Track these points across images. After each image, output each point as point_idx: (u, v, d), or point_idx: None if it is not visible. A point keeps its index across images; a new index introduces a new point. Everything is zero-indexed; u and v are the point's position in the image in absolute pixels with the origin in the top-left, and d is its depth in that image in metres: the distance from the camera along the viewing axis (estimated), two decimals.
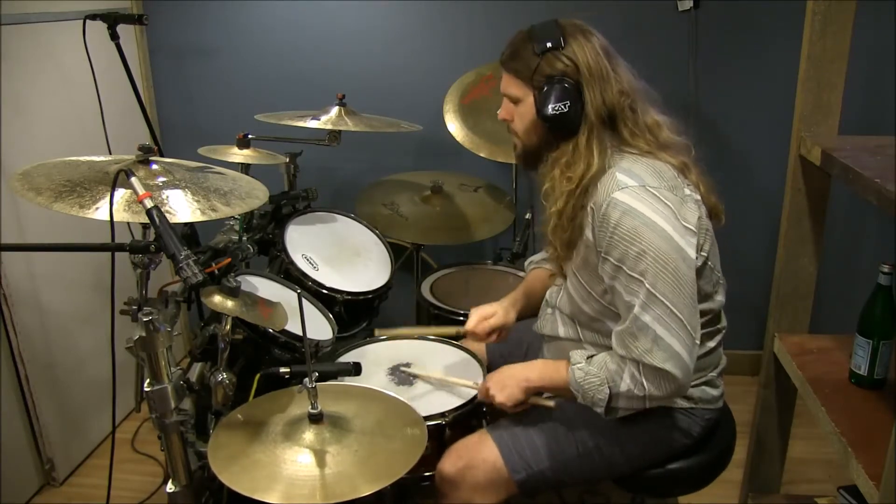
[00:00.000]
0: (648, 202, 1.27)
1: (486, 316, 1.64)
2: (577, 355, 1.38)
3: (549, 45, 1.33)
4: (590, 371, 1.34)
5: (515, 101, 1.41)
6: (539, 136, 1.40)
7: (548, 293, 1.60)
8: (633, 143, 1.35)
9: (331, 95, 2.23)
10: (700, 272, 1.33)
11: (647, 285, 1.25)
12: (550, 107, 1.32)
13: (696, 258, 1.31)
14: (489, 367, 1.71)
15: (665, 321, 1.25)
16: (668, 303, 1.25)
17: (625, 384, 1.29)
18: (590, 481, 1.52)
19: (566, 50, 1.33)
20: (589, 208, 1.33)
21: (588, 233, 1.34)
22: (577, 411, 1.44)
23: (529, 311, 1.69)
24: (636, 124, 1.36)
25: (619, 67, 1.36)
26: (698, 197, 1.37)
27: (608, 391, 1.31)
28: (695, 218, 1.32)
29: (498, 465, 1.42)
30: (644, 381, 1.28)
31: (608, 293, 1.36)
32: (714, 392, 1.48)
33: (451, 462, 1.45)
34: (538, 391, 1.45)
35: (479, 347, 1.79)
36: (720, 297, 1.44)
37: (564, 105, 1.32)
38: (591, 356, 1.37)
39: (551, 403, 1.45)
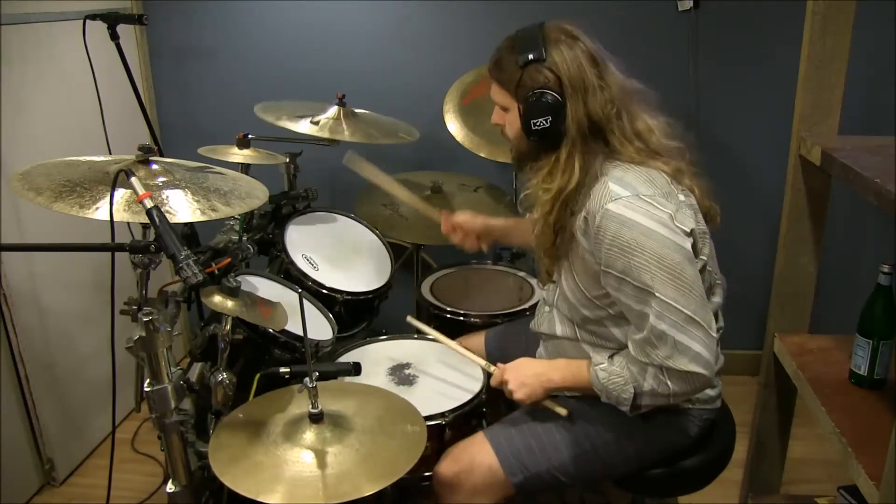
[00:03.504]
0: (643, 210, 1.26)
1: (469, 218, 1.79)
2: (599, 356, 1.39)
3: (530, 56, 1.31)
4: (613, 371, 1.34)
5: (504, 109, 1.42)
6: (526, 145, 1.40)
7: (544, 292, 1.60)
8: (622, 152, 1.35)
9: (331, 95, 2.23)
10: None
11: (656, 294, 1.25)
12: (532, 122, 1.32)
13: (696, 259, 1.31)
14: (488, 360, 1.71)
15: (681, 325, 1.25)
16: (680, 307, 1.25)
17: (648, 384, 1.30)
18: (588, 482, 1.52)
19: (548, 62, 1.31)
20: (582, 216, 1.33)
21: (582, 239, 1.34)
22: (575, 411, 1.44)
23: (513, 237, 1.85)
24: (623, 132, 1.35)
25: (606, 73, 1.34)
26: (693, 202, 1.37)
27: (632, 390, 1.32)
28: (691, 223, 1.32)
29: (494, 468, 1.42)
30: (669, 381, 1.29)
31: (608, 297, 1.36)
32: (711, 392, 1.48)
33: (448, 466, 1.45)
34: (559, 391, 1.45)
35: (478, 347, 1.79)
36: (717, 299, 1.44)
37: (546, 120, 1.32)
38: (612, 355, 1.38)
39: (564, 412, 1.45)
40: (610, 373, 1.34)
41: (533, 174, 1.40)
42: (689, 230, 1.30)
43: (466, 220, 1.79)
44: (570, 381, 1.43)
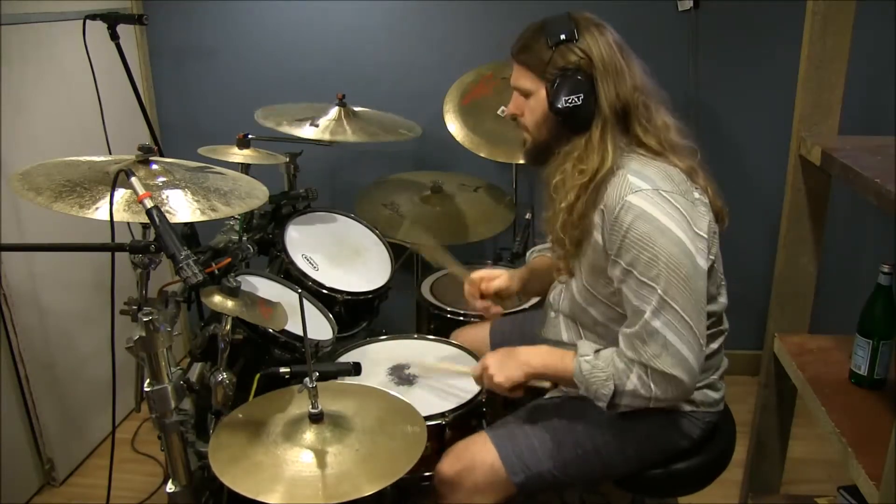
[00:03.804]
0: (661, 206, 1.26)
1: (491, 276, 1.67)
2: (585, 347, 1.37)
3: (562, 37, 1.31)
4: (597, 365, 1.33)
5: (526, 95, 1.39)
6: (550, 131, 1.38)
7: (550, 296, 1.60)
8: (644, 142, 1.34)
9: (331, 95, 2.23)
10: (707, 275, 1.33)
11: (659, 291, 1.25)
12: (563, 99, 1.31)
13: (706, 262, 1.31)
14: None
15: (675, 327, 1.25)
16: (678, 308, 1.25)
17: (631, 383, 1.29)
18: (589, 482, 1.51)
19: (580, 42, 1.31)
20: (599, 210, 1.32)
21: (597, 235, 1.34)
22: (576, 412, 1.44)
23: (533, 287, 1.72)
24: (650, 122, 1.35)
25: (632, 63, 1.35)
26: (707, 200, 1.37)
27: (613, 387, 1.31)
28: (705, 223, 1.32)
29: (496, 467, 1.41)
30: (651, 384, 1.28)
31: (616, 295, 1.35)
32: (715, 395, 1.48)
33: (450, 464, 1.45)
34: (539, 377, 1.44)
35: (479, 347, 1.79)
36: (723, 300, 1.44)
37: (578, 98, 1.31)
38: (599, 349, 1.37)
39: (547, 384, 1.43)
40: (594, 366, 1.33)
41: (562, 159, 1.37)
42: (703, 232, 1.30)
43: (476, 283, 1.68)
44: (552, 367, 1.40)
